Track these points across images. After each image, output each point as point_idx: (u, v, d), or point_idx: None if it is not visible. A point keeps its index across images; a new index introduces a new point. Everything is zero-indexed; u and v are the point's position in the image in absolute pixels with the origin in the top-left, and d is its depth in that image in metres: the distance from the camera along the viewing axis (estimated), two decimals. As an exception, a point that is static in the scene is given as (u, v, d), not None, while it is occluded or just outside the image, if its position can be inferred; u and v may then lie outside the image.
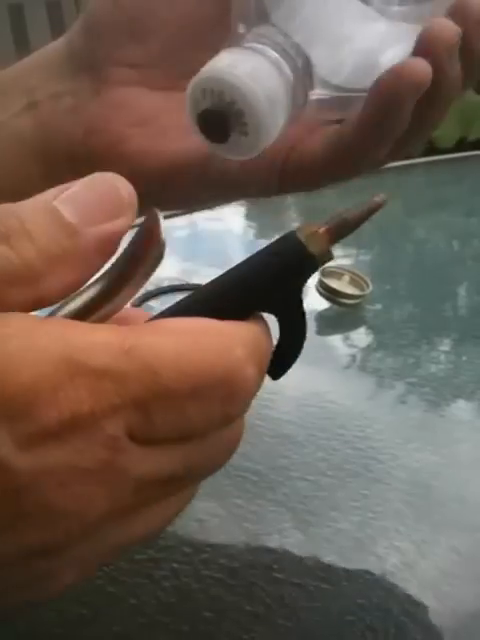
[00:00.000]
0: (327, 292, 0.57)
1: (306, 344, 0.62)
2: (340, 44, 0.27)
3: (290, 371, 0.59)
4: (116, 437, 0.19)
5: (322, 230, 0.22)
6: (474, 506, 0.38)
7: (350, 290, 0.57)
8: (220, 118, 0.25)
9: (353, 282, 0.58)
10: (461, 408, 0.47)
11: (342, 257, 0.65)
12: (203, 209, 0.74)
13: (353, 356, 0.54)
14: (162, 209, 0.23)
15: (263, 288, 0.22)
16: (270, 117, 0.25)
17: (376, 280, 0.60)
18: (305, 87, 0.26)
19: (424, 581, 0.34)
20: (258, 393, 0.53)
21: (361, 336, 0.56)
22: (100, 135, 0.32)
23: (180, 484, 0.22)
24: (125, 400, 0.19)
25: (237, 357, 0.21)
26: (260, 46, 0.26)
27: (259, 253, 0.23)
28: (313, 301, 0.58)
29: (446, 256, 0.70)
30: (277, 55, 0.25)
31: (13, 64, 0.36)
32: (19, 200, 0.33)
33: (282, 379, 0.51)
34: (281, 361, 0.24)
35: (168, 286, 0.59)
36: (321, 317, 0.58)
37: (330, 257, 0.23)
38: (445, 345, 0.55)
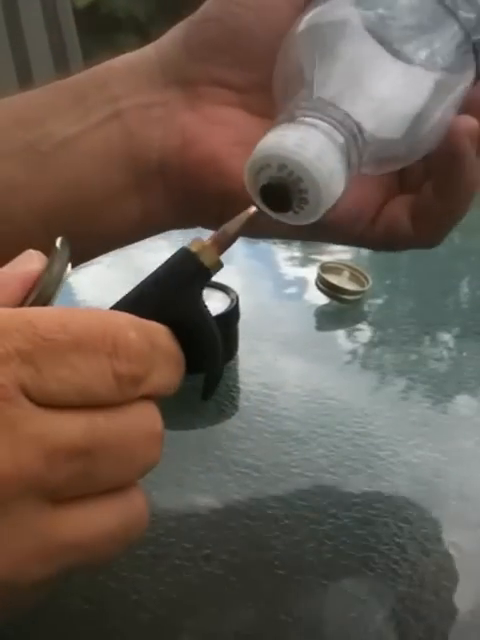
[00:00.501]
0: (327, 288, 0.57)
1: (307, 340, 0.62)
2: (382, 101, 0.28)
3: (291, 366, 0.59)
4: (3, 385, 0.20)
5: (210, 244, 0.26)
6: (475, 502, 0.38)
7: (350, 286, 0.57)
8: (283, 191, 0.26)
9: (353, 277, 0.58)
10: (462, 404, 0.47)
11: (341, 252, 0.64)
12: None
13: (354, 352, 0.53)
14: (245, 235, 0.27)
15: (165, 301, 0.25)
16: (329, 189, 0.26)
17: (376, 275, 0.59)
18: (359, 150, 0.27)
19: (426, 578, 0.34)
20: (259, 389, 0.52)
21: (361, 332, 0.56)
22: (199, 147, 0.31)
23: (99, 469, 0.22)
24: (8, 350, 0.21)
25: (118, 321, 0.23)
26: (313, 120, 0.26)
27: (158, 269, 0.26)
28: (313, 297, 0.58)
29: (447, 250, 0.70)
30: (331, 127, 0.26)
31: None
32: (108, 218, 0.34)
33: (282, 375, 0.52)
34: (206, 377, 0.27)
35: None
36: (321, 313, 0.58)
37: (220, 267, 0.26)
38: (446, 341, 0.55)
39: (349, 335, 0.56)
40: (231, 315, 0.51)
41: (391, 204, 0.34)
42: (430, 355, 0.52)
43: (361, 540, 0.36)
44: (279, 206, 0.27)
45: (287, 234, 0.35)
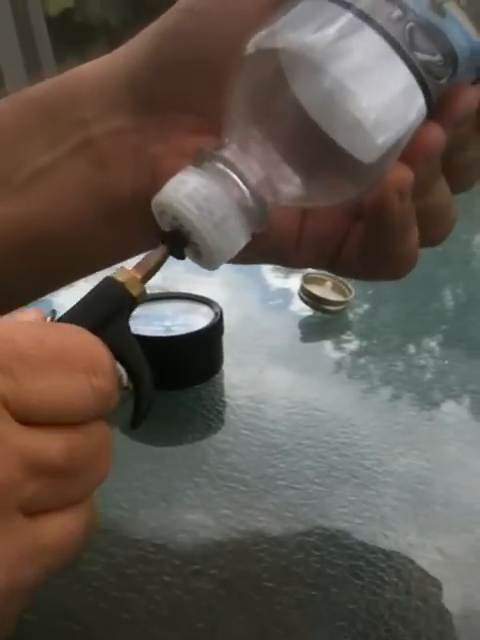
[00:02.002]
0: (310, 299, 0.57)
1: (292, 352, 0.63)
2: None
3: (277, 378, 0.59)
4: None
5: (135, 273, 0.27)
6: (459, 508, 0.39)
7: (333, 296, 0.58)
8: (181, 240, 0.27)
9: (336, 288, 0.59)
10: (446, 412, 0.48)
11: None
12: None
13: (339, 362, 0.54)
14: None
15: (93, 331, 0.25)
16: (221, 249, 0.27)
17: (358, 285, 0.60)
18: (273, 194, 0.27)
19: (412, 584, 0.35)
20: (245, 403, 0.53)
21: (346, 342, 0.56)
22: None
23: (68, 485, 0.23)
24: None
25: (90, 337, 0.24)
26: (219, 169, 0.26)
27: (85, 298, 0.26)
28: (297, 308, 0.59)
29: (430, 258, 0.71)
30: (235, 180, 0.26)
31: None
32: (82, 248, 0.34)
33: (268, 387, 0.52)
34: (135, 405, 0.27)
35: (149, 295, 0.59)
36: (305, 324, 0.58)
37: (144, 296, 0.27)
38: (430, 349, 0.55)
39: (334, 346, 0.56)
40: (215, 329, 0.52)
41: (350, 234, 0.32)
42: (414, 364, 0.53)
43: (348, 549, 0.37)
44: (178, 254, 0.27)
45: (249, 256, 0.33)
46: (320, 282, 0.59)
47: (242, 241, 0.27)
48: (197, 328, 0.51)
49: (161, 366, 0.50)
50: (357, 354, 0.55)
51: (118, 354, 0.26)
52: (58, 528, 0.23)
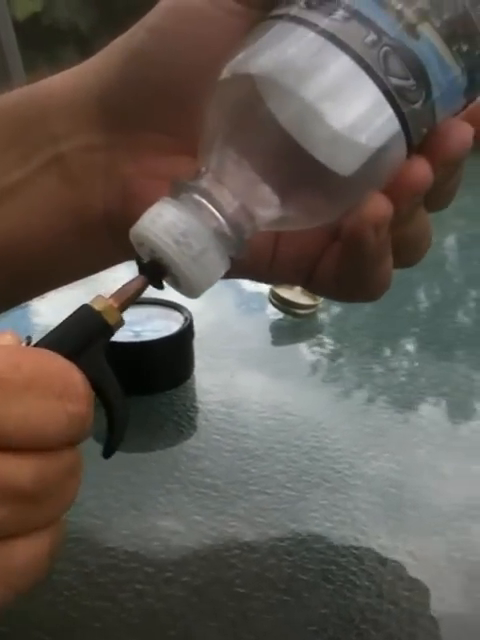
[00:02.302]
0: (280, 303, 0.57)
1: (263, 356, 0.63)
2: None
3: (248, 383, 0.59)
4: None
5: (112, 302, 0.26)
6: (429, 510, 0.39)
7: (303, 300, 0.58)
8: (160, 271, 0.27)
9: (305, 292, 0.59)
10: (417, 414, 0.48)
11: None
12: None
13: (309, 366, 0.54)
14: None
15: (69, 359, 0.25)
16: (200, 281, 0.27)
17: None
18: (250, 220, 0.27)
19: (383, 588, 0.35)
20: (216, 408, 0.53)
21: (316, 346, 0.56)
22: (141, 205, 0.29)
23: (36, 511, 0.23)
24: None
25: (64, 362, 0.24)
26: (197, 200, 0.26)
27: (61, 326, 0.26)
28: (267, 312, 0.59)
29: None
30: (213, 211, 0.26)
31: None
32: (54, 261, 0.33)
33: (240, 392, 0.52)
34: (109, 434, 0.27)
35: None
36: (275, 328, 0.59)
37: (121, 324, 0.27)
38: (400, 352, 0.56)
39: (304, 349, 0.57)
40: (186, 334, 0.52)
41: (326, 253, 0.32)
42: (385, 366, 0.53)
43: (319, 553, 0.37)
44: (157, 285, 0.27)
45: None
46: (290, 286, 0.59)
47: (221, 271, 0.27)
48: (167, 333, 0.51)
49: (132, 372, 0.50)
50: (328, 357, 0.55)
51: (93, 382, 0.26)
52: (25, 551, 0.23)
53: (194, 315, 0.52)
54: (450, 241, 0.77)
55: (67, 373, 0.24)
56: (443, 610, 0.34)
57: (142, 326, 0.52)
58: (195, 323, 0.52)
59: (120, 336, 0.50)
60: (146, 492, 0.42)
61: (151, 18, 0.30)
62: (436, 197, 0.30)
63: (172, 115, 0.30)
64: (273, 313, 0.59)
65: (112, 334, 0.27)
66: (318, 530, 0.38)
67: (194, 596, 0.35)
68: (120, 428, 0.28)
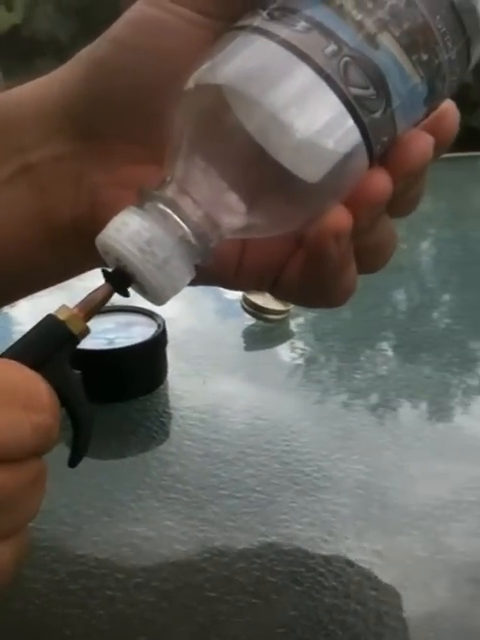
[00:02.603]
0: (252, 308, 0.58)
1: (235, 361, 0.63)
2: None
3: (220, 388, 0.59)
4: None
5: (77, 311, 0.27)
6: (395, 511, 0.40)
7: (274, 305, 0.58)
8: (126, 280, 0.27)
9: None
10: (383, 417, 0.49)
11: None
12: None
13: (281, 371, 0.55)
14: None
15: (34, 369, 0.26)
16: (165, 289, 0.27)
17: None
18: (216, 228, 0.27)
19: (351, 588, 0.36)
20: (188, 414, 0.53)
21: (287, 351, 0.57)
22: (109, 214, 0.29)
23: None
24: None
25: (28, 372, 0.24)
26: (162, 210, 0.27)
27: (26, 336, 0.27)
28: (239, 318, 0.60)
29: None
30: (178, 222, 0.27)
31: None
32: (24, 270, 0.33)
33: (212, 397, 0.53)
34: (74, 442, 0.28)
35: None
36: (248, 333, 0.59)
37: (87, 333, 0.27)
38: (369, 356, 0.56)
39: (276, 354, 0.57)
40: (159, 340, 0.52)
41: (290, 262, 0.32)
42: (352, 370, 0.54)
43: (288, 556, 0.37)
44: (123, 293, 0.28)
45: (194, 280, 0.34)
46: (262, 291, 0.59)
47: (186, 278, 0.28)
48: (141, 340, 0.51)
49: (105, 379, 0.51)
50: (299, 362, 0.56)
51: (58, 392, 0.26)
52: None
53: (168, 321, 0.52)
54: (422, 246, 0.78)
55: (31, 383, 0.24)
56: (409, 609, 0.35)
57: (115, 333, 0.52)
58: (169, 329, 0.52)
59: (93, 344, 0.51)
60: (117, 498, 0.42)
61: (114, 30, 0.31)
62: (399, 205, 0.30)
63: (139, 125, 0.31)
64: (246, 319, 0.60)
65: (77, 343, 0.27)
66: (287, 532, 0.39)
67: (164, 601, 0.36)
68: (85, 437, 0.28)
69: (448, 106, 0.30)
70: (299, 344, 0.58)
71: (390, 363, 0.55)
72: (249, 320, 0.59)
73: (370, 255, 0.32)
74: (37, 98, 0.32)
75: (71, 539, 0.39)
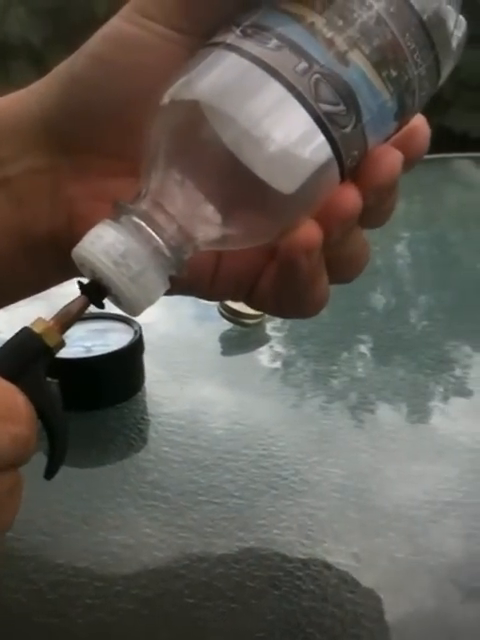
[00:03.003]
0: (228, 313, 0.58)
1: (212, 366, 0.63)
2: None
3: (198, 394, 0.60)
4: None
5: (53, 323, 0.27)
6: (372, 513, 0.40)
7: (250, 310, 0.59)
8: (101, 291, 0.28)
9: (253, 302, 0.60)
10: (360, 419, 0.49)
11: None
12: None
13: (257, 375, 0.55)
14: None
15: (9, 381, 0.26)
16: (139, 301, 0.28)
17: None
18: (190, 240, 0.28)
19: (328, 591, 0.36)
20: (166, 420, 0.53)
21: (264, 355, 0.57)
22: (86, 226, 0.29)
23: None
24: None
25: (7, 384, 0.25)
26: (137, 223, 0.27)
27: (2, 348, 0.27)
28: (216, 323, 0.60)
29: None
30: (152, 234, 0.27)
31: None
32: (2, 283, 0.33)
33: (189, 403, 0.53)
34: (51, 455, 0.28)
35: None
36: (224, 338, 0.59)
37: (63, 345, 0.28)
38: (345, 359, 0.57)
39: (252, 359, 0.58)
40: (136, 347, 0.52)
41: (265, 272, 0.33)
42: (328, 374, 0.54)
43: (267, 560, 0.38)
44: (98, 304, 0.28)
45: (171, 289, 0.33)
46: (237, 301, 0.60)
47: (161, 290, 0.28)
48: (117, 347, 0.51)
49: (82, 387, 0.51)
50: (275, 366, 0.56)
51: (35, 404, 0.26)
52: None
53: (144, 327, 0.52)
54: (397, 248, 0.79)
55: (9, 395, 0.25)
56: (386, 610, 0.35)
57: (92, 341, 0.52)
58: (145, 335, 0.52)
59: (70, 352, 0.51)
60: (96, 506, 0.42)
61: (91, 45, 0.31)
62: (371, 218, 0.31)
63: (115, 138, 0.31)
64: (223, 324, 0.60)
65: (53, 356, 0.28)
66: (265, 537, 0.39)
67: (144, 608, 0.36)
68: (61, 450, 0.28)
69: (419, 123, 0.31)
70: (276, 348, 0.58)
71: (366, 365, 0.56)
72: (226, 325, 0.60)
73: (343, 266, 0.32)
74: (14, 112, 0.33)
75: (50, 548, 0.39)
